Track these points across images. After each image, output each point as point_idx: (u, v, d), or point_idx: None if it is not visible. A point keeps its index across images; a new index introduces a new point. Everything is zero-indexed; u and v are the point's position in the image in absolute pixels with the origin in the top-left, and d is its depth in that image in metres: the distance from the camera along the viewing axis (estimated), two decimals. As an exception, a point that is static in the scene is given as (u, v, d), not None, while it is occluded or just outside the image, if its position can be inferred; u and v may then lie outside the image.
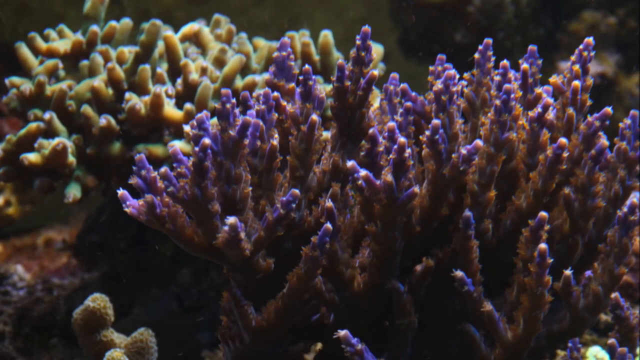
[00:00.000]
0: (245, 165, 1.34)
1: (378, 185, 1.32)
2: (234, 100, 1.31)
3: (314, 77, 1.42)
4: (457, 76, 1.42)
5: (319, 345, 1.54)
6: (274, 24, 3.08)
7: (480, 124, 1.46)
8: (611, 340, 1.35)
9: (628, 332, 1.39)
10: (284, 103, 1.44)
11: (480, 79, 1.48)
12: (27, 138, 1.87)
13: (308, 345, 1.51)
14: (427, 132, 1.34)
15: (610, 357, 1.33)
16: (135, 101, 1.88)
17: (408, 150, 1.30)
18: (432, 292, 1.45)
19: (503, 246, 1.44)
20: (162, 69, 1.99)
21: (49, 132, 1.88)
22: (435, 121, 1.34)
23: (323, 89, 1.51)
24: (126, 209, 1.31)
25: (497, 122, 1.38)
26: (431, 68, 1.48)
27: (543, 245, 1.32)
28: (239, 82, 1.98)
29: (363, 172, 1.32)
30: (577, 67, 1.47)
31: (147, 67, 1.93)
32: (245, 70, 2.01)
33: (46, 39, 2.04)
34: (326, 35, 2.08)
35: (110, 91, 1.93)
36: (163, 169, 1.30)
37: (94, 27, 1.99)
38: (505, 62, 1.40)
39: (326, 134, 1.55)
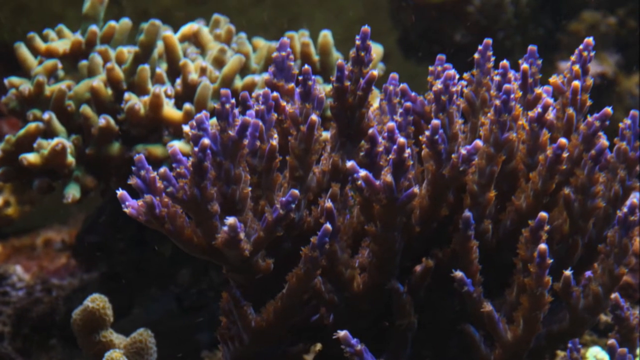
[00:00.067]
0: (245, 166, 1.33)
1: (377, 186, 1.32)
2: (233, 101, 1.31)
3: (313, 77, 1.42)
4: (457, 76, 1.41)
5: (319, 346, 1.54)
6: (273, 24, 3.08)
7: (480, 124, 1.45)
8: (611, 341, 1.34)
9: (628, 333, 1.39)
10: (284, 103, 1.44)
11: (480, 79, 1.48)
12: (26, 138, 1.87)
13: (307, 345, 1.51)
14: (427, 133, 1.34)
15: (610, 358, 1.33)
16: (135, 101, 1.88)
17: (408, 151, 1.29)
18: (432, 293, 1.45)
19: (503, 247, 1.44)
20: (162, 69, 1.99)
21: (48, 133, 1.88)
22: (435, 121, 1.34)
23: (322, 89, 1.51)
24: (125, 210, 1.31)
25: (496, 122, 1.38)
26: (431, 68, 1.48)
27: (543, 246, 1.31)
28: (239, 82, 1.97)
29: (362, 173, 1.32)
30: (577, 67, 1.46)
31: (147, 67, 1.93)
32: (244, 70, 2.01)
33: (45, 39, 2.03)
34: (326, 35, 2.08)
35: (109, 91, 1.92)
36: (162, 169, 1.29)
37: (93, 27, 1.99)
38: (505, 62, 1.40)
39: (326, 134, 1.55)
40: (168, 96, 1.93)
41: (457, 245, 1.40)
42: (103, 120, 1.87)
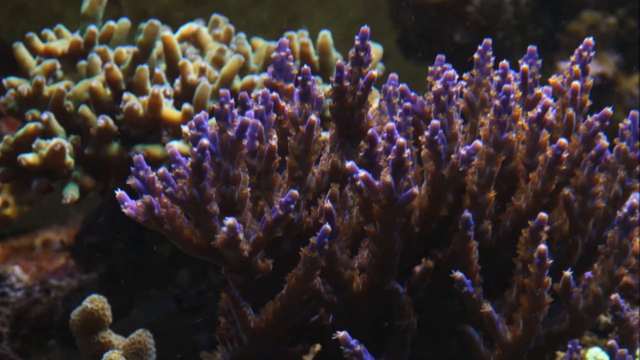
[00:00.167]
0: (244, 166, 1.33)
1: (377, 186, 1.32)
2: (232, 101, 1.30)
3: (312, 77, 1.42)
4: (457, 76, 1.41)
5: (318, 347, 1.54)
6: (273, 24, 3.08)
7: (480, 125, 1.45)
8: (611, 342, 1.34)
9: (628, 334, 1.39)
10: (283, 103, 1.43)
11: (479, 80, 1.48)
12: (24, 138, 1.87)
13: (307, 346, 1.51)
14: (426, 133, 1.34)
15: (610, 359, 1.33)
16: (134, 101, 1.88)
17: (407, 151, 1.29)
18: (432, 293, 1.45)
19: (502, 247, 1.43)
20: (161, 69, 1.98)
21: (47, 133, 1.87)
22: (435, 122, 1.33)
23: (322, 89, 1.51)
24: (124, 210, 1.31)
25: (496, 122, 1.38)
26: (430, 68, 1.48)
27: (543, 246, 1.31)
28: (238, 83, 1.97)
29: (362, 173, 1.32)
30: (576, 67, 1.46)
31: (146, 67, 1.93)
32: (243, 70, 2.01)
33: (44, 39, 2.03)
34: (325, 35, 2.08)
35: (108, 91, 1.92)
36: (161, 170, 1.29)
37: (92, 27, 1.99)
38: (504, 63, 1.40)
39: (325, 135, 1.55)
40: (167, 96, 1.93)
41: (456, 245, 1.39)
42: (102, 121, 1.87)
